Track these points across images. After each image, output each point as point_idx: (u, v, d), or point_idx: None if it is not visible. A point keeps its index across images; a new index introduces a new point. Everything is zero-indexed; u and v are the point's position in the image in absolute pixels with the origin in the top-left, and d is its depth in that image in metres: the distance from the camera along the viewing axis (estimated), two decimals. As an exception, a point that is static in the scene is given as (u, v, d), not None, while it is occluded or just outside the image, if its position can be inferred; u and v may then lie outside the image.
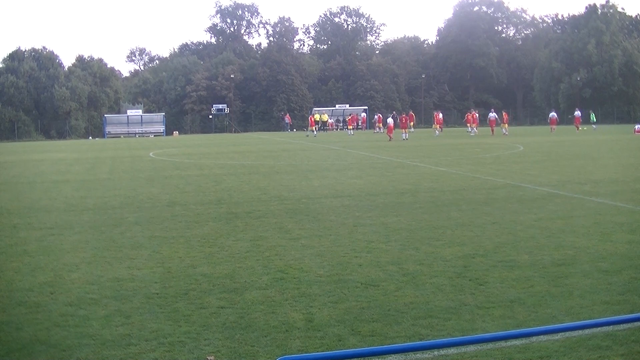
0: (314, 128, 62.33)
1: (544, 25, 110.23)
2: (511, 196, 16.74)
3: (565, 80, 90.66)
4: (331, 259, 10.23)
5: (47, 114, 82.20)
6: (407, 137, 49.78)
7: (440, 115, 63.69)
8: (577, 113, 64.04)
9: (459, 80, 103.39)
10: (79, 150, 47.14)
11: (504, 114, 57.57)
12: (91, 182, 22.81)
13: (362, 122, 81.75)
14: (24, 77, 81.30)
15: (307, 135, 60.93)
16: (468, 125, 58.63)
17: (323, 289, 8.57)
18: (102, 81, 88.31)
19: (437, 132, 58.35)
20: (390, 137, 48.75)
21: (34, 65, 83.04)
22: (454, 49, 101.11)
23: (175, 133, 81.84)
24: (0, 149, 51.98)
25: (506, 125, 55.96)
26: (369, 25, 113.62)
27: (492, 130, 54.87)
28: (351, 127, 66.10)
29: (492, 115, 56.16)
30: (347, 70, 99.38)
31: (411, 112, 63.40)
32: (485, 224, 12.83)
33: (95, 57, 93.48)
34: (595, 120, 65.78)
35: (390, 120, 53.52)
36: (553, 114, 63.76)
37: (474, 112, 60.29)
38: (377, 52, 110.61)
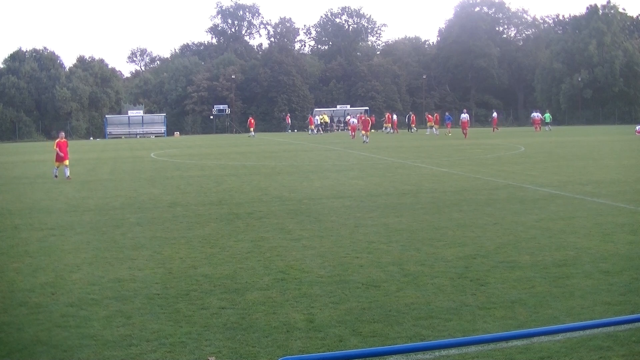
0: (252, 129, 66.45)
1: (545, 25, 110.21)
2: (512, 197, 16.74)
3: (566, 81, 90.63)
4: (332, 259, 10.23)
5: (48, 114, 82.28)
6: (367, 140, 45.61)
7: (395, 116, 70.17)
8: (495, 114, 68.20)
9: (460, 81, 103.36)
10: (80, 150, 47.14)
11: (435, 115, 62.84)
12: (92, 182, 22.83)
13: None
14: (25, 77, 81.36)
15: (249, 137, 64.47)
16: (429, 125, 62.49)
17: (324, 290, 8.57)
18: (103, 82, 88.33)
19: (389, 130, 65.87)
20: (353, 136, 51.87)
21: (35, 66, 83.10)
22: (455, 50, 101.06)
23: (177, 134, 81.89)
24: (2, 150, 52.03)
25: (436, 125, 60.60)
26: (370, 26, 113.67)
27: (465, 134, 51.22)
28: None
29: (464, 117, 54.11)
30: (348, 71, 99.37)
31: (373, 116, 64.13)
32: (487, 225, 12.83)
33: (96, 57, 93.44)
34: (549, 121, 65.70)
35: (353, 121, 56.48)
36: (495, 115, 68.27)
37: (436, 114, 64.92)
38: (378, 52, 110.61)
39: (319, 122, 73.01)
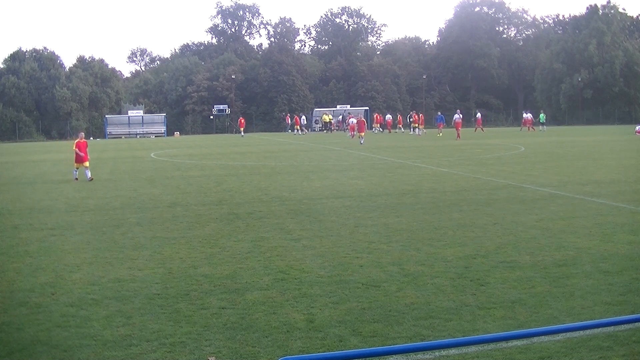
0: (242, 129, 69.58)
1: (545, 25, 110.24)
2: (512, 197, 16.74)
3: (566, 81, 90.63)
4: (332, 259, 10.23)
5: (48, 114, 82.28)
6: (362, 141, 44.61)
7: (389, 116, 72.84)
8: (479, 115, 69.88)
9: (460, 81, 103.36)
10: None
11: (420, 115, 64.85)
12: (92, 182, 22.82)
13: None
14: (25, 77, 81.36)
15: (241, 136, 67.58)
16: (413, 126, 63.71)
17: (324, 290, 8.57)
18: (103, 82, 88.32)
19: (377, 130, 69.94)
20: (352, 136, 52.86)
21: (35, 66, 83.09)
22: (455, 50, 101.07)
23: (177, 134, 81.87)
24: (2, 150, 52.03)
25: (421, 126, 62.90)
26: (370, 26, 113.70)
27: (458, 134, 49.98)
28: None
29: (458, 117, 53.03)
30: (348, 71, 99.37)
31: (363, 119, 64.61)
32: (487, 225, 12.83)
33: (96, 57, 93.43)
34: (544, 121, 65.96)
35: (353, 121, 58.04)
36: (479, 115, 69.91)
37: (421, 114, 67.78)
38: (378, 52, 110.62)
39: (304, 122, 73.49)
